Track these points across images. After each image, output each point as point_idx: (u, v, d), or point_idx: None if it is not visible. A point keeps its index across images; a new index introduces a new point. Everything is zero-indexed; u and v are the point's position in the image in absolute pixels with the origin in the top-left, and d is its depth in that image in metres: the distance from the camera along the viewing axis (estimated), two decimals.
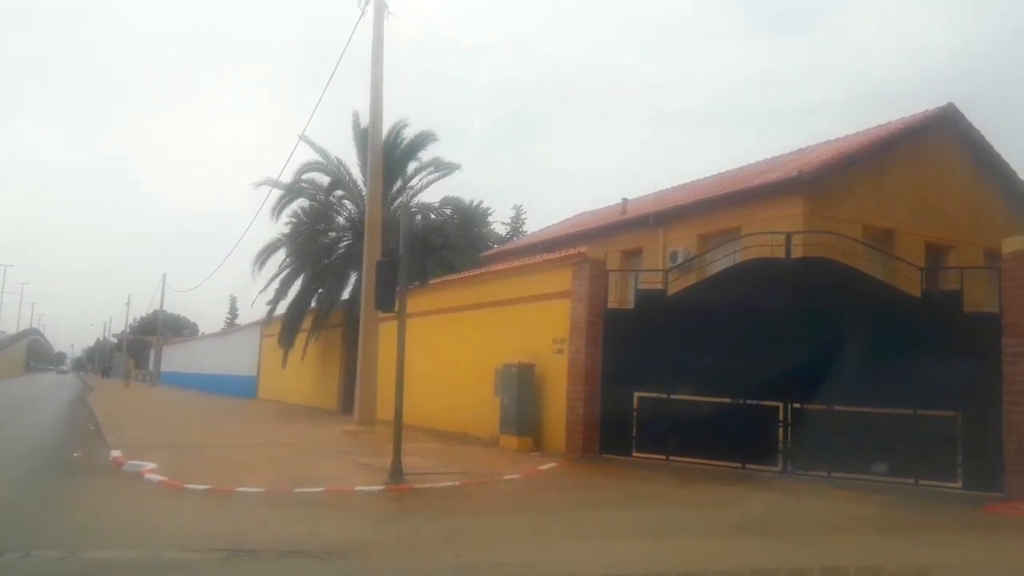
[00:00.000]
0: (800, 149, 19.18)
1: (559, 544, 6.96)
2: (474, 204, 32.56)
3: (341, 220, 25.01)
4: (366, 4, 15.93)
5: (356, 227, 22.87)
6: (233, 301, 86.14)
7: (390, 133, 23.13)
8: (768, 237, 11.98)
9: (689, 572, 3.75)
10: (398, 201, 23.15)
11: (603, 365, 12.72)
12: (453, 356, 16.78)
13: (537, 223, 61.51)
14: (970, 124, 17.37)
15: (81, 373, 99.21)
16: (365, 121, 18.97)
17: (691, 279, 13.45)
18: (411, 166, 24.49)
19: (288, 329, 24.97)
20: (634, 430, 12.22)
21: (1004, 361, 9.69)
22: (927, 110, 17.19)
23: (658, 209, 18.70)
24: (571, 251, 14.03)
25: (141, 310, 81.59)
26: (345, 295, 23.67)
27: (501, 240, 39.16)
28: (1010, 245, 10.10)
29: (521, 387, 13.65)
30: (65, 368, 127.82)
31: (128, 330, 72.43)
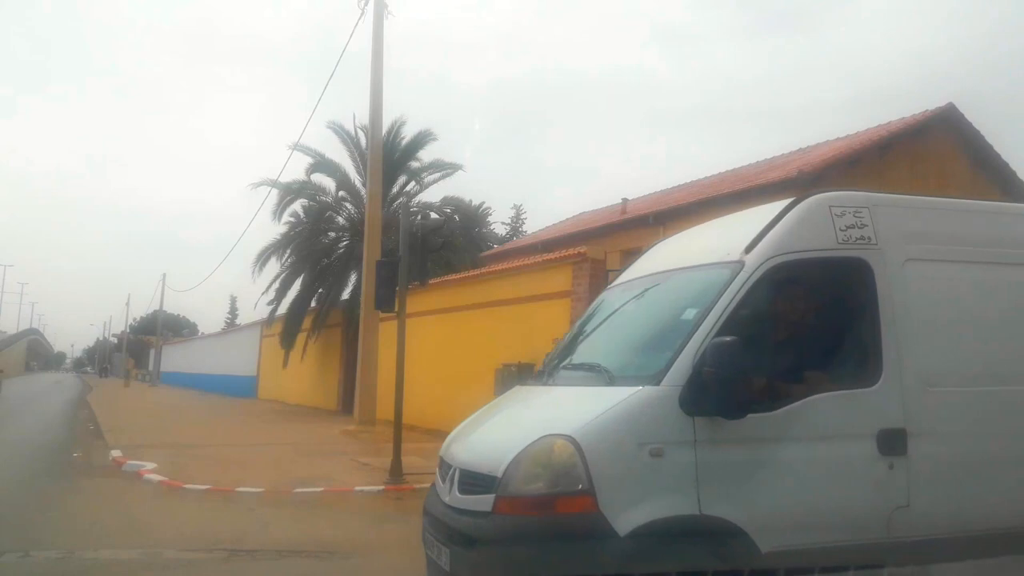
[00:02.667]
0: (800, 149, 19.18)
1: None
2: (475, 205, 32.59)
3: (341, 220, 25.02)
4: (366, 4, 15.94)
5: (356, 227, 22.87)
6: (233, 301, 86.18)
7: (389, 133, 23.14)
8: None
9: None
10: (398, 201, 23.14)
11: None
12: (453, 356, 16.77)
13: (537, 223, 61.57)
14: (970, 124, 17.38)
15: (81, 373, 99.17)
16: (362, 121, 18.99)
17: None
18: (411, 166, 24.52)
19: (288, 329, 24.97)
20: None
21: None
22: (927, 110, 17.20)
23: (658, 209, 18.69)
24: (571, 251, 14.03)
25: (141, 310, 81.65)
26: (345, 295, 23.67)
27: (501, 240, 39.14)
28: None
29: None
30: (68, 367, 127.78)
31: (128, 330, 72.44)
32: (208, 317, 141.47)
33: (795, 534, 3.95)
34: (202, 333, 71.97)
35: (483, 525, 3.89)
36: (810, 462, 4.08)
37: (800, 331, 4.64)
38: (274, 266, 25.22)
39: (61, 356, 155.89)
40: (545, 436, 3.92)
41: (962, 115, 17.22)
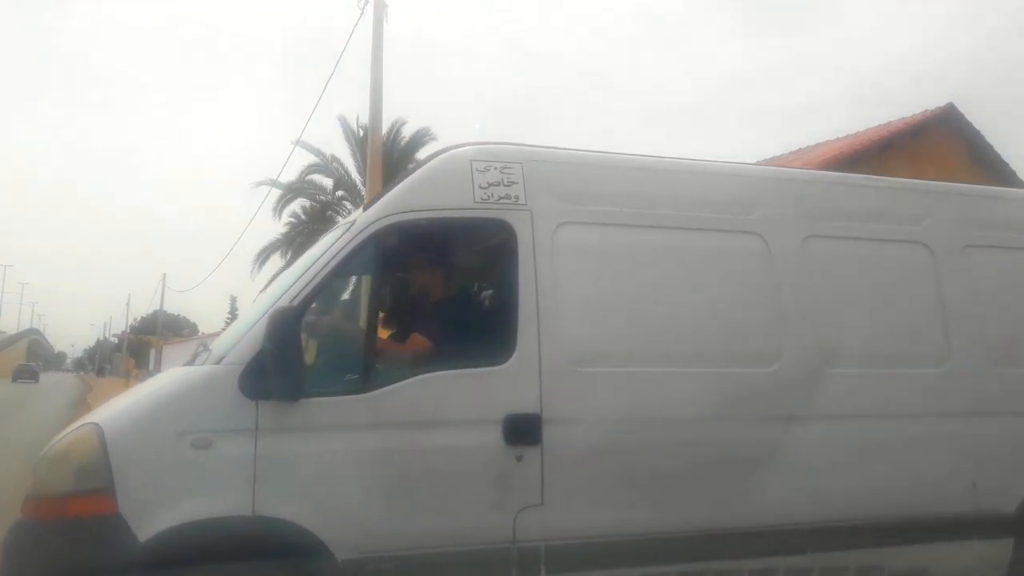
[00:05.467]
0: (800, 149, 19.18)
1: None
2: None
3: (341, 219, 25.00)
4: (365, 4, 15.93)
5: None
6: (233, 301, 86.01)
7: (389, 132, 23.18)
8: None
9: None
10: None
11: None
12: None
13: None
14: (970, 124, 17.39)
15: (81, 373, 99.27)
16: (361, 121, 19.02)
17: None
18: (410, 165, 24.49)
19: None
20: None
21: None
22: (927, 110, 17.21)
23: None
24: None
25: (141, 310, 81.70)
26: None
27: None
28: None
29: None
30: (69, 367, 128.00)
31: (128, 330, 72.50)
32: (208, 317, 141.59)
33: (387, 539, 3.41)
34: (203, 333, 71.96)
35: (10, 530, 3.34)
36: (411, 453, 3.52)
37: (421, 300, 4.24)
38: (273, 266, 25.26)
39: (62, 356, 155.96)
40: (80, 426, 3.48)
41: (962, 115, 17.23)
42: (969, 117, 17.37)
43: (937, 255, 4.53)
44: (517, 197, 3.79)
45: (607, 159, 4.29)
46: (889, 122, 17.50)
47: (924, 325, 4.45)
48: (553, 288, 3.76)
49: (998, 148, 17.78)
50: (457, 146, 3.99)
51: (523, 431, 3.58)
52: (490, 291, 4.23)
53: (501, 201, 3.77)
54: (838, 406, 4.15)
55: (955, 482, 4.32)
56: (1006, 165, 17.80)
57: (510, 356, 3.67)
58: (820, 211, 4.40)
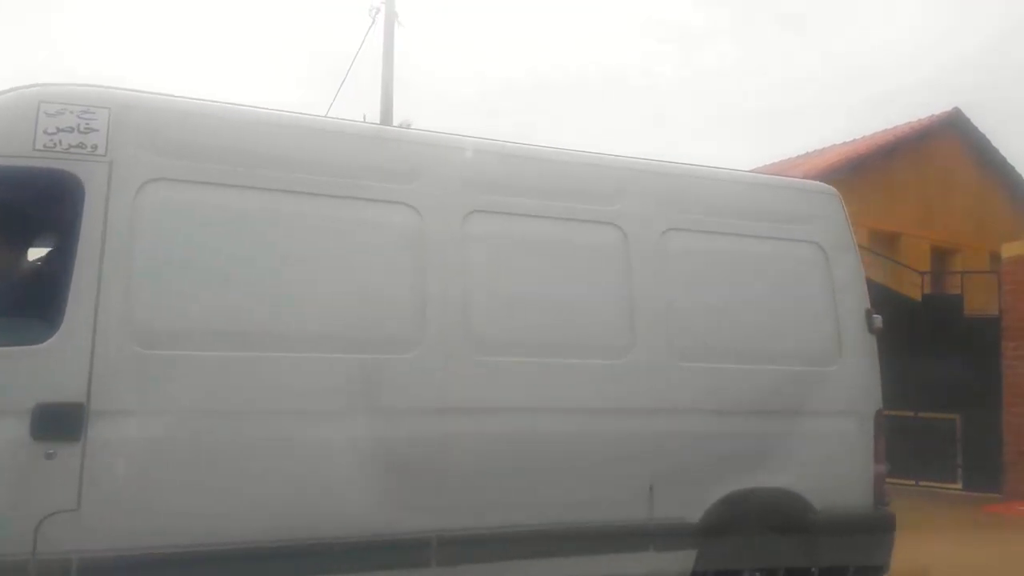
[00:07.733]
0: (806, 152, 19.26)
1: None
2: None
3: None
4: (376, 12, 16.14)
5: None
6: None
7: None
8: None
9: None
10: None
11: None
12: None
13: None
14: (976, 129, 17.44)
15: None
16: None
17: None
18: None
19: None
20: None
21: (1003, 364, 9.80)
22: (933, 114, 17.27)
23: None
24: None
25: None
26: None
27: None
28: (1009, 250, 10.22)
29: None
30: None
31: None
32: None
33: None
34: None
35: None
36: None
37: None
38: None
39: None
40: None
41: (968, 119, 17.29)
42: (975, 121, 17.44)
43: (630, 238, 4.11)
44: (96, 146, 3.22)
45: (227, 111, 3.68)
46: (895, 126, 17.56)
47: (607, 313, 4.05)
48: (126, 254, 3.20)
49: (1004, 152, 17.84)
50: (31, 85, 3.36)
51: (57, 424, 3.04)
52: (41, 255, 3.68)
53: (72, 150, 3.20)
54: (489, 398, 3.71)
55: (630, 485, 3.91)
56: (1012, 169, 17.85)
57: (52, 334, 3.10)
58: (489, 185, 3.96)
